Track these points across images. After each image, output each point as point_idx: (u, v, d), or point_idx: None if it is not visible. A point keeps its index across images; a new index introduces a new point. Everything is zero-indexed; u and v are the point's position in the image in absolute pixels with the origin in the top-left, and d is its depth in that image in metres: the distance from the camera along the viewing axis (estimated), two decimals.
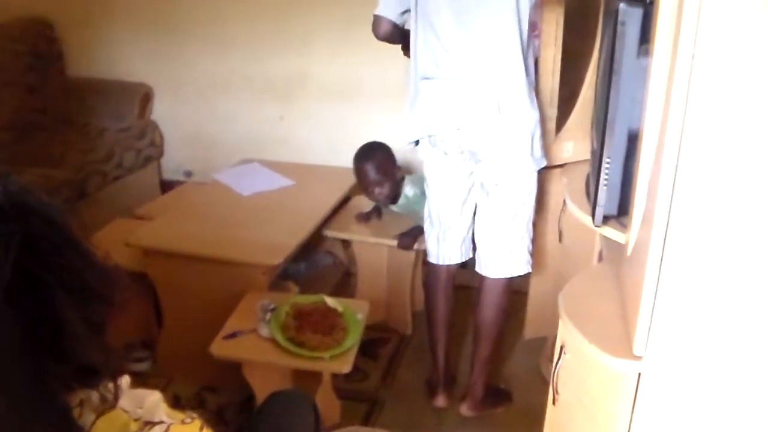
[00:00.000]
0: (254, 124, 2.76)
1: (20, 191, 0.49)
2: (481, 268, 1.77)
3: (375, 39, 1.68)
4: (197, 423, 0.60)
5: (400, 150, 2.13)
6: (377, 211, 2.24)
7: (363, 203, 2.39)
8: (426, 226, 1.83)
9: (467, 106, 1.58)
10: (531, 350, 2.12)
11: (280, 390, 1.19)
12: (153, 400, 0.60)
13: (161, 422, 0.58)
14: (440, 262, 1.83)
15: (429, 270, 1.88)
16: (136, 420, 0.57)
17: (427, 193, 1.79)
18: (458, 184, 1.72)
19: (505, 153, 1.60)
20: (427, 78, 1.64)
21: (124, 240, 1.90)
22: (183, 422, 0.59)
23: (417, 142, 1.72)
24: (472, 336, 1.86)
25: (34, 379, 0.47)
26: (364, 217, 2.22)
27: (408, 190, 2.12)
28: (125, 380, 0.62)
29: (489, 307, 1.79)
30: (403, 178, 2.11)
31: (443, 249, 1.81)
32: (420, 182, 1.97)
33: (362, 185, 2.13)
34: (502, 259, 1.73)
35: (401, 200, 2.15)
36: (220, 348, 1.62)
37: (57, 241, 0.49)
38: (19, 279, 0.46)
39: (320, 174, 2.44)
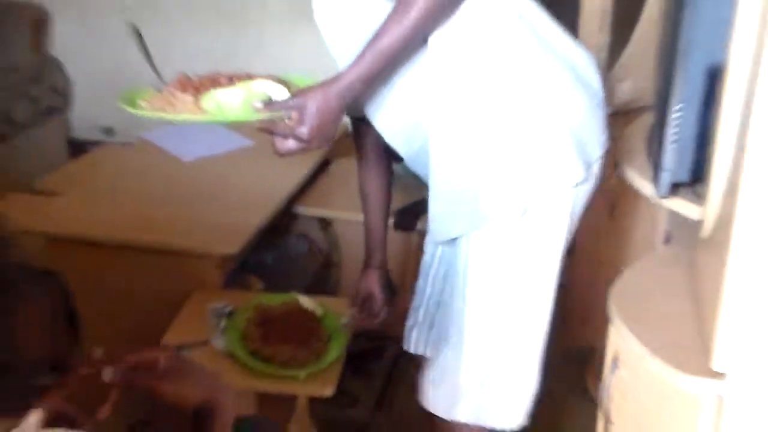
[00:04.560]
0: (203, 55, 2.67)
1: None
2: None
3: None
4: None
5: None
6: None
7: (348, 168, 2.34)
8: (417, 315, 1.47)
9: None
10: (574, 361, 2.11)
11: (242, 416, 1.18)
12: None
13: None
14: None
15: None
16: None
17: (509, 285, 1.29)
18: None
19: None
20: None
21: (20, 225, 1.86)
22: None
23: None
24: None
25: None
26: None
27: None
28: (34, 418, 0.61)
29: None
30: None
31: None
32: None
33: None
34: None
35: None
36: None
37: None
38: None
39: None
